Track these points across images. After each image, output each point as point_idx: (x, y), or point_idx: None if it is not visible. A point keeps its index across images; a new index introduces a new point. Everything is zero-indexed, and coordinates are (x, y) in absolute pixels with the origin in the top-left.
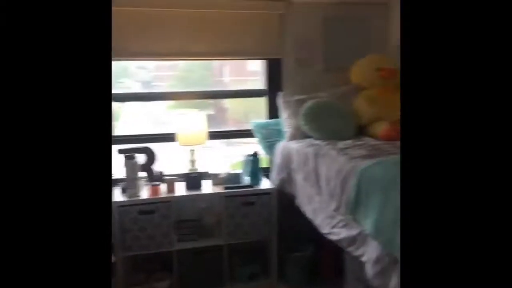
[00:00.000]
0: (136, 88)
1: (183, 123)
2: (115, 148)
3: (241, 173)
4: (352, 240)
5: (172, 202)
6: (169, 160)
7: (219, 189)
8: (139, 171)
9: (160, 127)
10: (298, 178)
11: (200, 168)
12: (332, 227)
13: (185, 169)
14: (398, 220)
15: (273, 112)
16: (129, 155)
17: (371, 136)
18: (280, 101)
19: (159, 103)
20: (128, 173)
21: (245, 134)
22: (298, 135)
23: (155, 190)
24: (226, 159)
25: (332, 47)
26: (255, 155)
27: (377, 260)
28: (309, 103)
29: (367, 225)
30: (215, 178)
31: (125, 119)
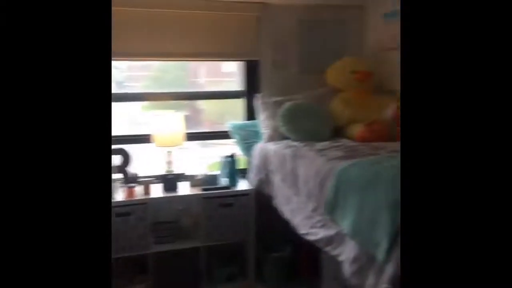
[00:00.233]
0: None
1: (160, 124)
2: None
3: (219, 175)
4: (330, 240)
5: (148, 204)
6: (145, 162)
7: (196, 191)
8: (114, 173)
9: (136, 128)
10: (276, 179)
11: (177, 170)
12: (310, 227)
13: (161, 170)
14: (375, 220)
15: (250, 114)
16: None
17: (347, 137)
18: (257, 102)
19: (133, 104)
20: None
21: (222, 135)
22: (276, 136)
23: (130, 192)
24: (202, 160)
25: (309, 49)
26: (232, 156)
27: (355, 260)
28: (286, 105)
29: (345, 225)
30: (192, 180)
31: None
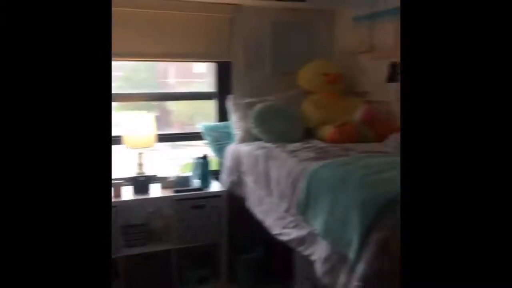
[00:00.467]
0: None
1: (131, 125)
2: None
3: (191, 176)
4: (302, 240)
5: (118, 206)
6: (116, 164)
7: (168, 193)
8: None
9: None
10: (249, 180)
11: (148, 172)
12: (283, 227)
13: (132, 172)
14: (346, 220)
15: (222, 115)
16: None
17: (319, 139)
18: (229, 104)
19: None
20: None
21: (194, 136)
22: (248, 138)
23: None
24: (174, 162)
25: (281, 51)
26: (204, 158)
27: (326, 259)
28: (258, 106)
29: (317, 225)
30: (163, 182)
31: None
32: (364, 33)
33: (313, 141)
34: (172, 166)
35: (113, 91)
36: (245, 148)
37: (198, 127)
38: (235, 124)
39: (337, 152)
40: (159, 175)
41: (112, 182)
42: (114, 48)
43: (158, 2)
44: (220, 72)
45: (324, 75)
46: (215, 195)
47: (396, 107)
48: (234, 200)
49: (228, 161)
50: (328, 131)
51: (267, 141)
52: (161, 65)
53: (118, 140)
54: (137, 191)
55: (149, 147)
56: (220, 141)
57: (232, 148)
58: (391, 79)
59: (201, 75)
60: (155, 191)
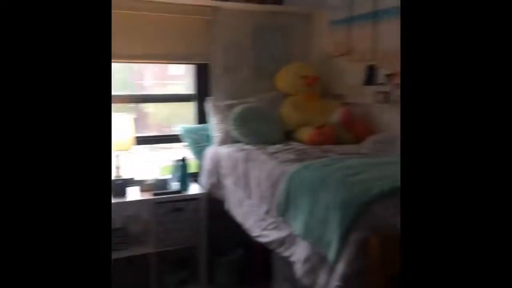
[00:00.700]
0: None
1: None
2: None
3: (169, 179)
4: (282, 242)
5: None
6: None
7: (146, 196)
8: None
9: None
10: (228, 182)
11: (126, 175)
12: (263, 229)
13: None
14: (325, 220)
15: (201, 117)
16: None
17: (298, 140)
18: (209, 106)
19: None
20: None
21: (172, 139)
22: (228, 140)
23: None
24: (152, 164)
25: (259, 54)
26: (183, 160)
27: (306, 260)
28: (238, 108)
29: (297, 226)
30: (142, 185)
31: None
32: (341, 36)
33: (292, 143)
34: (151, 169)
35: None
36: (225, 150)
37: (177, 129)
38: (215, 126)
39: (316, 153)
40: (137, 178)
41: None
42: None
43: (137, 4)
44: (198, 74)
45: (302, 77)
46: (194, 198)
47: (372, 110)
48: (213, 203)
49: (207, 163)
50: (307, 133)
51: (246, 143)
52: (136, 67)
53: None
54: (114, 194)
55: (127, 149)
56: (199, 143)
57: (211, 150)
58: (367, 82)
59: (177, 77)
60: (133, 194)
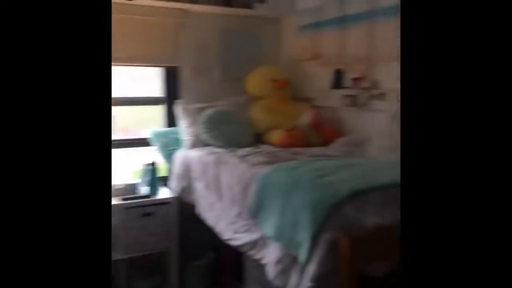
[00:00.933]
0: None
1: None
2: None
3: (139, 183)
4: (254, 244)
5: None
6: None
7: (115, 201)
8: None
9: None
10: (199, 186)
11: None
12: (234, 232)
13: None
14: (296, 222)
15: (170, 120)
16: None
17: (268, 143)
18: (178, 109)
19: None
20: None
21: (141, 143)
22: (198, 143)
23: None
24: (121, 169)
25: (229, 57)
26: (153, 164)
27: (278, 261)
28: (208, 111)
29: (268, 228)
30: None
31: None
32: (309, 41)
33: (262, 145)
34: (119, 173)
35: None
36: (195, 154)
37: (147, 133)
38: (185, 129)
39: (287, 156)
40: None
41: None
42: None
43: None
44: (167, 77)
45: (272, 81)
46: (165, 202)
47: (340, 113)
48: (184, 207)
49: (177, 167)
50: (277, 135)
51: (217, 146)
52: None
53: None
54: None
55: None
56: (169, 146)
57: (181, 154)
58: (335, 85)
59: (145, 80)
60: None
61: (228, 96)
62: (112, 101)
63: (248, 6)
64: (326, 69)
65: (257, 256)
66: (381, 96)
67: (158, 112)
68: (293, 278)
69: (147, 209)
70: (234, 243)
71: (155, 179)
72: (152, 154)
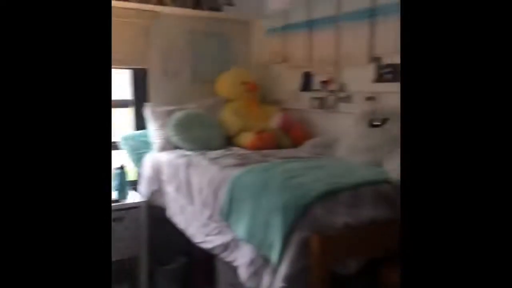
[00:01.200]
0: None
1: None
2: None
3: None
4: (226, 246)
5: None
6: None
7: None
8: None
9: None
10: (169, 189)
11: None
12: (206, 235)
13: None
14: (268, 223)
15: (139, 123)
16: None
17: (238, 146)
18: (147, 112)
19: None
20: None
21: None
22: (168, 146)
23: None
24: None
25: (199, 59)
26: (122, 168)
27: (250, 263)
28: (178, 114)
29: (240, 229)
30: None
31: None
32: (278, 44)
33: (233, 148)
34: None
35: None
36: (165, 157)
37: (115, 136)
38: (154, 132)
39: (257, 158)
40: None
41: None
42: None
43: None
44: (136, 80)
45: (242, 83)
46: (134, 206)
47: (309, 115)
48: (154, 211)
49: (147, 170)
50: (247, 138)
51: (187, 149)
52: None
53: None
54: None
55: None
56: (138, 150)
57: (151, 157)
58: (304, 88)
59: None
60: None
61: (197, 98)
62: None
63: (217, 8)
64: (295, 72)
65: (229, 259)
66: (348, 98)
67: (126, 115)
68: (265, 279)
69: (116, 214)
70: (205, 246)
71: (124, 183)
72: (121, 158)
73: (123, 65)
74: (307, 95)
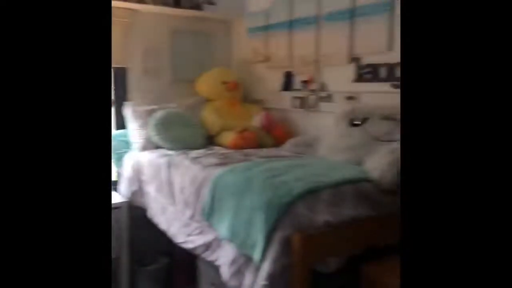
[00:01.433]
0: None
1: None
2: None
3: None
4: (208, 246)
5: None
6: None
7: None
8: None
9: None
10: (150, 189)
11: None
12: (188, 235)
13: None
14: (250, 222)
15: (119, 123)
16: None
17: (220, 145)
18: (127, 111)
19: None
20: None
21: None
22: (149, 146)
23: None
24: None
25: (180, 58)
26: None
27: (232, 262)
28: (159, 113)
29: (222, 229)
30: None
31: None
32: (259, 43)
33: (214, 147)
34: None
35: None
36: (146, 157)
37: None
38: (134, 132)
39: (239, 157)
40: None
41: None
42: None
43: None
44: (116, 79)
45: (223, 83)
46: (114, 207)
47: (290, 114)
48: (134, 211)
49: (127, 170)
50: (229, 137)
51: (168, 149)
52: None
53: None
54: None
55: None
56: (118, 150)
57: (131, 157)
58: (285, 87)
59: None
60: None
61: (178, 97)
62: None
63: (197, 7)
64: (276, 72)
65: (211, 258)
66: (328, 98)
67: None
68: (248, 278)
69: None
70: (187, 246)
71: None
72: None
73: None
74: (288, 94)
